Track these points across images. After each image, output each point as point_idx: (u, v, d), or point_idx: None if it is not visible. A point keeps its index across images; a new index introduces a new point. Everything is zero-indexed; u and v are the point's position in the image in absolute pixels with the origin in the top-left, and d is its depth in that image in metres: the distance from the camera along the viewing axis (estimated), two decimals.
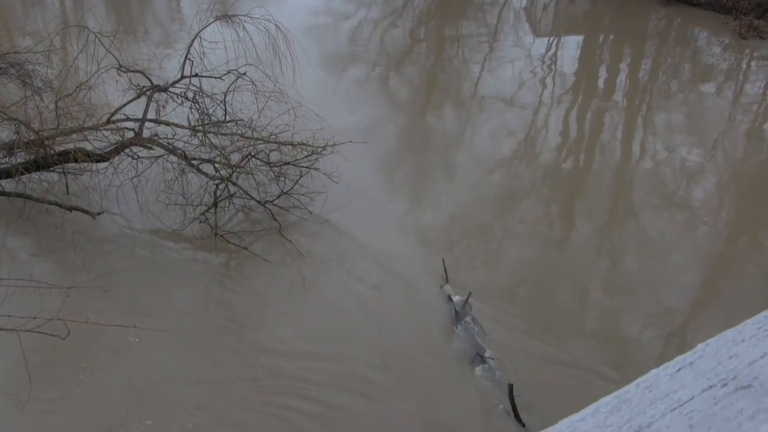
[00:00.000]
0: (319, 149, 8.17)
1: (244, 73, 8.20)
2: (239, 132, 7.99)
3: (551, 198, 9.30)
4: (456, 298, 7.01)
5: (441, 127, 11.21)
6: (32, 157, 7.43)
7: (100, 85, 8.04)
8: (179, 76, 8.35)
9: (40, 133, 7.26)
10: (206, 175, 7.73)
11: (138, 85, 8.28)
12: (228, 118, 8.19)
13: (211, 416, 5.64)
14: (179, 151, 7.74)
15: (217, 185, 7.66)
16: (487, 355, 6.35)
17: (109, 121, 7.78)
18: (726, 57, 15.10)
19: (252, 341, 6.43)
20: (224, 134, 8.01)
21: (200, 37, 8.39)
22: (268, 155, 8.00)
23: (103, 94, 8.08)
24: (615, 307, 7.32)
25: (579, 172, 10.20)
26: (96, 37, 8.07)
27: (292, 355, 6.29)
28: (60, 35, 10.86)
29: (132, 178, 7.82)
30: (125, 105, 8.03)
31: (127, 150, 7.83)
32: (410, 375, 6.17)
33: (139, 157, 7.89)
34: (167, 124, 8.05)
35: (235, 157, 7.84)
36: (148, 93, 8.24)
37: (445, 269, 7.39)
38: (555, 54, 14.75)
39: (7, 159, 7.55)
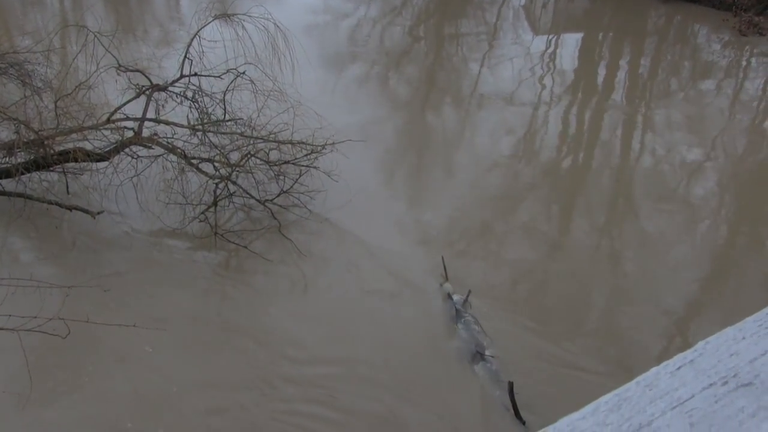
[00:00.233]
0: (319, 148, 8.16)
1: (244, 72, 8.20)
2: (239, 131, 7.99)
3: (551, 196, 9.28)
4: (456, 296, 7.01)
5: (440, 126, 11.20)
6: (32, 157, 7.43)
7: (100, 84, 8.04)
8: (178, 75, 8.34)
9: (39, 132, 7.26)
10: (206, 174, 7.73)
11: (137, 84, 8.27)
12: (227, 117, 8.18)
13: (211, 416, 5.64)
14: (179, 150, 7.73)
15: (216, 184, 7.66)
16: (487, 353, 6.35)
17: (108, 121, 7.77)
18: (726, 54, 15.08)
19: (252, 341, 6.42)
20: (224, 133, 8.01)
21: (199, 36, 8.38)
22: (268, 154, 8.00)
23: (103, 93, 8.08)
24: (615, 305, 7.32)
25: (579, 170, 10.20)
26: (95, 36, 8.06)
27: (292, 354, 6.28)
28: (59, 35, 10.85)
29: (132, 178, 7.81)
30: (125, 104, 8.03)
31: (126, 149, 7.83)
32: (409, 373, 6.17)
33: (138, 156, 7.89)
34: (167, 123, 8.05)
35: (234, 156, 7.84)
36: (147, 92, 8.23)
37: (444, 267, 7.38)
38: (554, 52, 14.73)
39: (7, 159, 7.54)
